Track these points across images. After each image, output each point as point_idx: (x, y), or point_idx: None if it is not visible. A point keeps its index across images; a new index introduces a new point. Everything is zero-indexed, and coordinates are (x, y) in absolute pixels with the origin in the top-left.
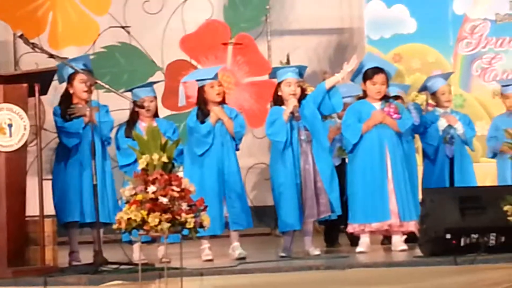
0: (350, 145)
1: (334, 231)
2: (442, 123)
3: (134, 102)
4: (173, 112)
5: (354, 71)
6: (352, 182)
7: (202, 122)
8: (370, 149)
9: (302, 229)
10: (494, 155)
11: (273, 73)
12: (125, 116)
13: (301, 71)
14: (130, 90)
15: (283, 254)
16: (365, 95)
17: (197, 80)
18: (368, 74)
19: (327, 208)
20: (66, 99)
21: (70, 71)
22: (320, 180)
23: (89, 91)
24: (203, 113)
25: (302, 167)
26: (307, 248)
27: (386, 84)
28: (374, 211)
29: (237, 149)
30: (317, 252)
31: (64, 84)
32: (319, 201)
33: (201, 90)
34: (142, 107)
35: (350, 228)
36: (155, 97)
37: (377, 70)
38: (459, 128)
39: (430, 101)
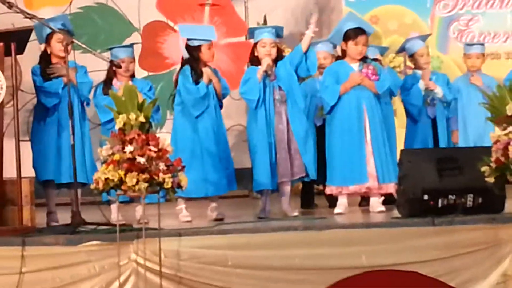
0: (328, 106)
1: (310, 192)
2: (422, 86)
3: (111, 62)
4: (150, 73)
5: (333, 30)
6: (330, 144)
7: (196, 83)
8: (348, 110)
9: (279, 190)
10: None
11: (250, 33)
12: (101, 77)
13: (278, 31)
14: (110, 49)
15: (261, 216)
16: (343, 55)
17: (196, 39)
18: (350, 35)
19: (301, 170)
20: (45, 59)
21: (48, 31)
22: (295, 141)
23: (66, 51)
24: (196, 74)
25: (275, 126)
26: (285, 209)
27: (367, 45)
28: (352, 173)
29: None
30: (295, 213)
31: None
32: (293, 162)
33: (196, 49)
34: (119, 66)
35: (328, 190)
36: (134, 58)
37: (360, 31)
38: (439, 91)
39: (408, 63)
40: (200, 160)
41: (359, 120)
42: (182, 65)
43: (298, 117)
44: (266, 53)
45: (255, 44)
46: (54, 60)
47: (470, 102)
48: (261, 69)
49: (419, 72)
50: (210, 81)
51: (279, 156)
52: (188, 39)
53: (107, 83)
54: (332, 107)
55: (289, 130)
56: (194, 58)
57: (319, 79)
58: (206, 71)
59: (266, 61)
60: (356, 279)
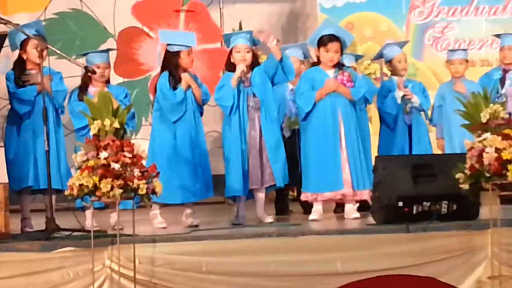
0: (303, 113)
1: (284, 199)
2: (399, 94)
3: (86, 67)
4: (125, 79)
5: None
6: (305, 150)
7: (174, 88)
8: (323, 117)
9: (254, 197)
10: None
11: (226, 40)
12: (76, 83)
13: (251, 36)
14: (85, 55)
15: (235, 222)
16: (319, 61)
17: (176, 45)
18: (323, 41)
19: (271, 178)
20: (19, 65)
21: (23, 37)
22: (266, 149)
23: (41, 57)
24: (174, 80)
25: (248, 133)
26: (259, 215)
27: (340, 52)
28: (327, 180)
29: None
30: (269, 219)
31: (17, 52)
32: (264, 170)
33: (176, 55)
34: (94, 72)
35: (303, 197)
36: (109, 64)
37: (332, 37)
38: (415, 100)
39: (385, 70)
40: (176, 166)
41: (334, 126)
42: (161, 71)
43: (270, 125)
44: (240, 58)
45: (231, 50)
46: (29, 66)
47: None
48: (235, 75)
49: (395, 78)
50: (188, 87)
51: (251, 162)
52: (167, 45)
53: (82, 89)
54: (307, 114)
55: (261, 137)
56: (173, 64)
57: (288, 85)
58: (184, 76)
59: (240, 68)
60: (370, 282)
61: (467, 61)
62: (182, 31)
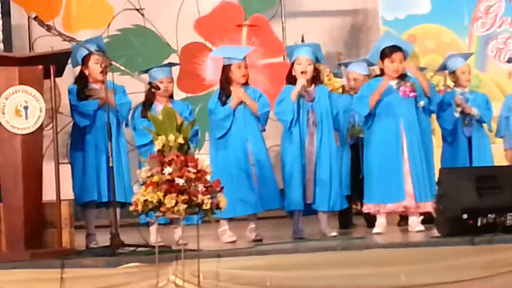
0: (362, 117)
1: (348, 212)
2: (457, 109)
3: (150, 83)
4: (188, 95)
5: (371, 49)
6: (368, 160)
7: (224, 103)
8: (385, 127)
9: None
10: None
11: (289, 53)
12: (139, 99)
13: (315, 52)
14: (147, 71)
15: (295, 236)
16: (382, 73)
17: (225, 58)
18: (386, 52)
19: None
20: (81, 80)
21: (84, 53)
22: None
23: (104, 72)
24: (225, 94)
25: (306, 147)
26: (323, 229)
27: (403, 62)
28: (390, 191)
29: (263, 130)
30: (334, 233)
31: (78, 68)
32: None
33: (227, 68)
34: (158, 88)
35: (365, 208)
36: (172, 78)
37: (395, 48)
38: (475, 113)
39: (448, 83)
40: (236, 180)
41: (396, 138)
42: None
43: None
44: (301, 70)
45: (293, 63)
46: (90, 81)
47: None
48: (295, 90)
49: (457, 90)
50: (240, 102)
51: (307, 177)
52: (225, 58)
53: (146, 105)
54: (370, 124)
55: (314, 153)
56: (224, 78)
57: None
58: (237, 92)
59: (301, 82)
60: None
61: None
62: (237, 46)
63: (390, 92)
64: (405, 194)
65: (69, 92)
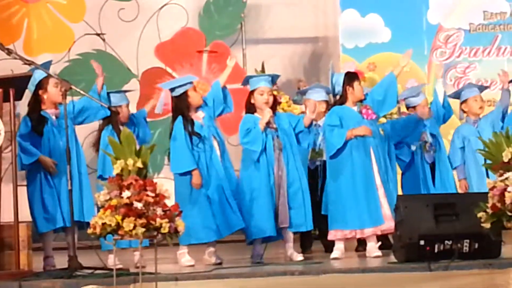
0: (334, 149)
1: (308, 237)
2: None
3: (109, 108)
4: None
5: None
6: (337, 187)
7: (191, 132)
8: (356, 155)
9: (284, 236)
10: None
11: (246, 80)
12: (95, 123)
13: (273, 79)
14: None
15: (255, 260)
16: (344, 99)
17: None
18: (350, 79)
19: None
20: (35, 107)
21: (40, 76)
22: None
23: (64, 96)
24: (187, 121)
25: (275, 173)
26: (290, 254)
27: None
28: (368, 216)
29: None
30: (300, 257)
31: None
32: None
33: (183, 96)
34: (117, 112)
35: (334, 235)
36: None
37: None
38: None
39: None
40: (197, 204)
41: (369, 162)
42: (174, 117)
43: (295, 167)
44: (264, 101)
45: (252, 92)
46: (46, 106)
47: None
48: (263, 120)
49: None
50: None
51: (277, 202)
52: (171, 91)
53: (115, 127)
54: (338, 150)
55: (283, 178)
56: (183, 106)
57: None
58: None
59: (268, 113)
60: None
61: (483, 100)
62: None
63: (362, 119)
64: (383, 217)
65: (24, 123)
